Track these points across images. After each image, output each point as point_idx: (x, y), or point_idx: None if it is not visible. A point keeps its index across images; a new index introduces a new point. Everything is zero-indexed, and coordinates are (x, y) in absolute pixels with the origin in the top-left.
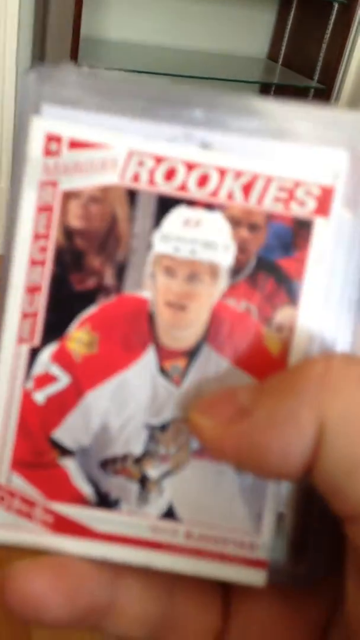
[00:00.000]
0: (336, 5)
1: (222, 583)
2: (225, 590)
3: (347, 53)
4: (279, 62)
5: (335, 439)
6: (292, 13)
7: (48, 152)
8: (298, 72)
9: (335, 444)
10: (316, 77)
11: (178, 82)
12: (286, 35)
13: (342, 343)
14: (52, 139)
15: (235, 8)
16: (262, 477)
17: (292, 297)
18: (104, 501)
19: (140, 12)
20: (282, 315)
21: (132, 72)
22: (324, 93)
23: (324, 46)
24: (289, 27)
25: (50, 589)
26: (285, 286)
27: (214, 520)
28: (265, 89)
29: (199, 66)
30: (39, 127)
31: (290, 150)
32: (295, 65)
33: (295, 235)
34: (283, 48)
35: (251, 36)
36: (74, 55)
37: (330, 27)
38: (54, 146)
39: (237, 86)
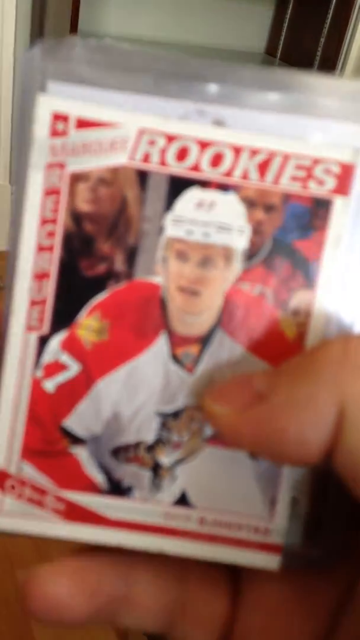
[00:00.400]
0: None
1: (232, 568)
2: (235, 576)
3: (345, 47)
4: (277, 56)
5: (357, 422)
6: (290, 7)
7: (55, 133)
8: (296, 66)
9: (356, 427)
10: (314, 72)
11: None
12: (284, 29)
13: None
14: (59, 118)
15: (233, 2)
16: (280, 464)
17: (309, 280)
18: (116, 489)
19: (138, 7)
20: (298, 298)
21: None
22: None
23: (322, 40)
24: (287, 21)
25: (71, 591)
26: (302, 269)
27: (228, 506)
28: None
29: None
30: (45, 106)
31: (308, 125)
32: (293, 59)
33: (313, 215)
34: (281, 42)
35: (249, 31)
36: None
37: (328, 21)
38: (60, 126)
39: None
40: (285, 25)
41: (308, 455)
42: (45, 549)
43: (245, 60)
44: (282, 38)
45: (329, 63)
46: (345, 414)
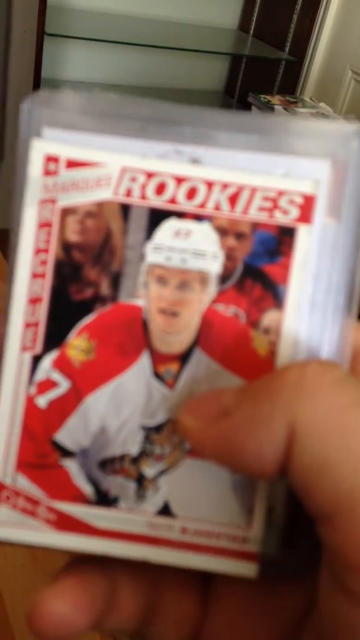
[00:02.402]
0: None
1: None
2: (205, 576)
3: (318, 24)
4: (250, 33)
5: (305, 442)
6: None
7: (47, 172)
8: (269, 43)
9: (305, 447)
10: (287, 49)
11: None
12: (257, 6)
13: (328, 346)
14: (51, 159)
15: None
16: (241, 475)
17: (278, 301)
18: (104, 499)
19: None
20: (269, 318)
21: (100, 41)
22: (295, 64)
23: (295, 17)
24: None
25: (73, 608)
26: (272, 291)
27: (208, 516)
28: (237, 60)
29: (170, 37)
30: (39, 149)
31: (274, 162)
32: (266, 36)
33: (279, 242)
34: (254, 19)
35: (222, 7)
36: (41, 25)
37: None
38: (52, 166)
39: (209, 57)
40: (258, 1)
41: (264, 470)
42: None
43: (218, 36)
44: (255, 15)
45: (302, 40)
46: (295, 435)
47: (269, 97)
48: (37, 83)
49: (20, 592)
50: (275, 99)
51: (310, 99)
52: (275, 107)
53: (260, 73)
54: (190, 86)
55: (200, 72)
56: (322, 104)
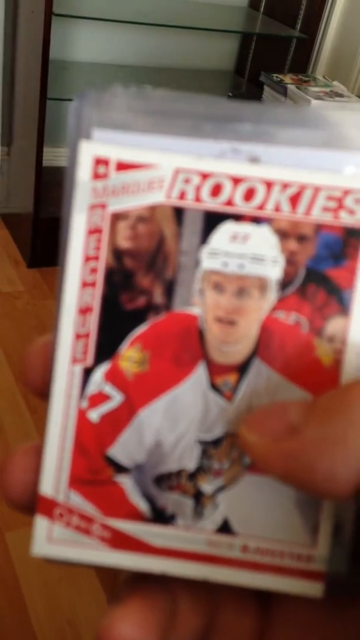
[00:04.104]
0: None
1: None
2: (265, 594)
3: (329, 1)
4: (261, 10)
5: None
6: None
7: (97, 176)
8: (280, 21)
9: None
10: (298, 27)
11: (168, 31)
12: None
13: None
14: (101, 162)
15: None
16: (310, 495)
17: (343, 307)
18: (160, 516)
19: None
20: (333, 325)
21: (108, 21)
22: (307, 42)
23: None
24: None
25: (139, 631)
26: (336, 296)
27: (270, 533)
28: (247, 39)
29: (179, 15)
30: (88, 151)
31: (338, 158)
32: (277, 14)
33: (345, 244)
34: None
35: None
36: (49, 5)
37: None
38: (102, 169)
39: (218, 36)
40: None
41: (337, 491)
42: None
43: (229, 14)
44: None
45: (313, 17)
46: None
47: (280, 76)
48: (45, 64)
49: (35, 575)
50: (287, 78)
51: (323, 77)
52: (288, 86)
53: (271, 51)
54: (199, 66)
55: (210, 51)
56: (335, 82)
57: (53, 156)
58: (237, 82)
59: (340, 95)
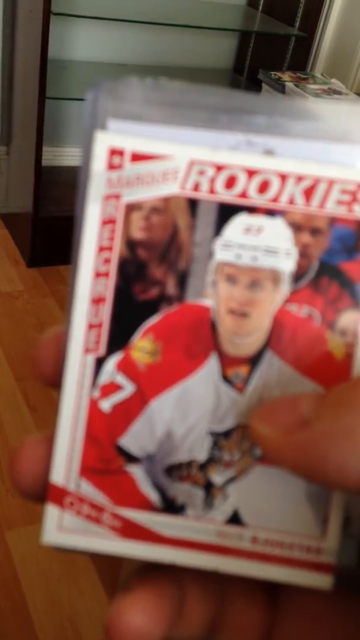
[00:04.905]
0: None
1: None
2: (274, 585)
3: (328, 0)
4: (259, 9)
5: None
6: None
7: (111, 166)
8: (279, 19)
9: None
10: (297, 25)
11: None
12: None
13: None
14: (115, 152)
15: None
16: (321, 487)
17: (356, 300)
18: (170, 506)
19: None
20: (346, 319)
21: (107, 20)
22: (305, 40)
23: None
24: None
25: (148, 620)
26: (349, 290)
27: (280, 525)
28: (246, 37)
29: (177, 14)
30: (103, 142)
31: (353, 152)
32: (275, 12)
33: (358, 238)
34: None
35: None
36: (47, 4)
37: None
38: (117, 160)
39: (217, 34)
40: None
41: (347, 482)
42: (34, 508)
43: (227, 12)
44: None
45: (312, 15)
46: None
47: (279, 74)
48: (43, 63)
49: (35, 573)
50: (286, 76)
51: (322, 75)
52: (287, 84)
53: (270, 50)
54: (198, 64)
55: (208, 49)
56: (333, 80)
57: (52, 155)
58: (236, 80)
59: (339, 93)
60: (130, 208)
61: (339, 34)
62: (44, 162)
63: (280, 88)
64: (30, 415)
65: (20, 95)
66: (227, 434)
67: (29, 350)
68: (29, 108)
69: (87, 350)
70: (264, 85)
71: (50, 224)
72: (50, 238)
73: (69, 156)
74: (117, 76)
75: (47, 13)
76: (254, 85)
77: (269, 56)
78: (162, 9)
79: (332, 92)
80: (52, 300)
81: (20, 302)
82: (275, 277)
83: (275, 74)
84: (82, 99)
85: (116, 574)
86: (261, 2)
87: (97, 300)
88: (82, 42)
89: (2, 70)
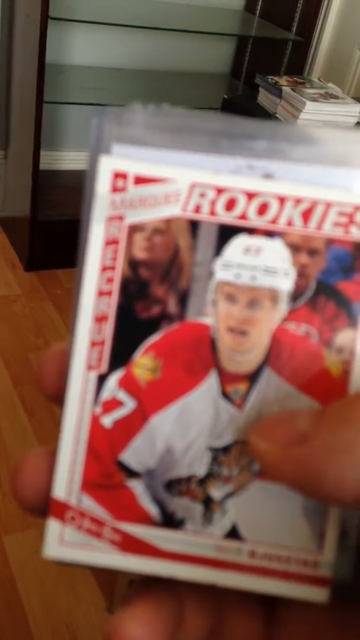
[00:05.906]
0: None
1: None
2: (271, 599)
3: (325, 3)
4: (257, 14)
5: None
6: None
7: (115, 189)
8: (276, 24)
9: None
10: (294, 29)
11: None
12: None
13: None
14: (119, 176)
15: None
16: (318, 501)
17: (352, 319)
18: (170, 521)
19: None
20: (342, 337)
21: (104, 24)
22: (302, 45)
23: None
24: None
25: (148, 633)
26: (346, 309)
27: (277, 539)
28: (243, 41)
29: (175, 18)
30: (107, 166)
31: (350, 175)
32: (273, 17)
33: (355, 258)
34: (260, 0)
35: None
36: (45, 8)
37: None
38: (120, 183)
39: (214, 39)
40: None
41: (344, 497)
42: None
43: (224, 17)
44: None
45: (309, 20)
46: None
47: (276, 78)
48: (41, 68)
49: (32, 578)
50: (283, 80)
51: (319, 79)
52: (284, 88)
53: (267, 54)
54: (196, 69)
55: (206, 54)
56: (330, 84)
57: (50, 159)
58: (233, 84)
59: (335, 97)
60: (133, 229)
61: (335, 39)
62: (42, 166)
63: (277, 92)
64: (27, 419)
65: (18, 99)
66: (226, 450)
67: (27, 354)
68: (27, 112)
69: (89, 367)
70: (261, 90)
71: (48, 227)
72: (48, 242)
73: (66, 160)
74: (114, 81)
75: (45, 17)
76: (251, 89)
77: (266, 60)
78: (159, 14)
79: (329, 96)
80: (50, 304)
81: (17, 305)
82: (273, 296)
83: (272, 79)
84: (79, 103)
85: (113, 581)
86: (258, 7)
87: (99, 319)
88: (79, 47)
89: (0, 74)
